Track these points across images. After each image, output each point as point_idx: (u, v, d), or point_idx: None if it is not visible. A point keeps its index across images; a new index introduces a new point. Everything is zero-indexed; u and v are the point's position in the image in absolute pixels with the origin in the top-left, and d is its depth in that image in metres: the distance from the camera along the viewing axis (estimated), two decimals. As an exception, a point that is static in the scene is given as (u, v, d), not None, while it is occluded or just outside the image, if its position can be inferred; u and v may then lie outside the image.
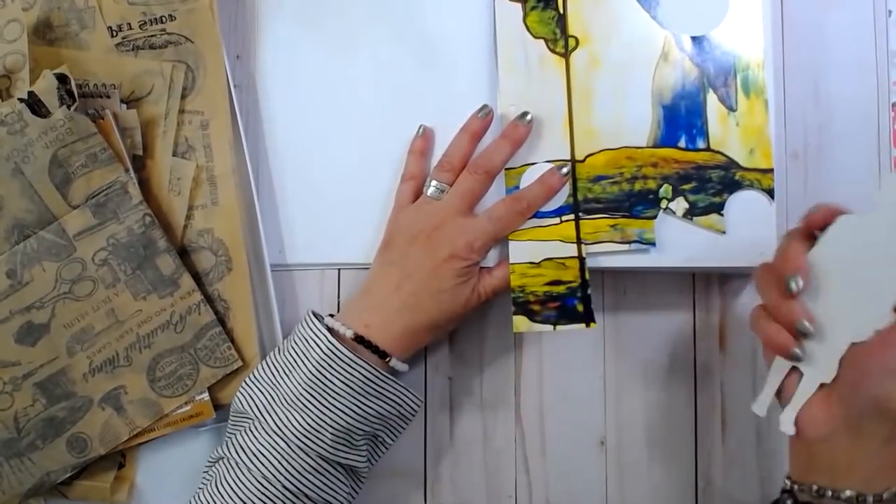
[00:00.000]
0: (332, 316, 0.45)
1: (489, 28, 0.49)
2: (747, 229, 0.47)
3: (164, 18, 0.48)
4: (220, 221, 0.48)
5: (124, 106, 0.48)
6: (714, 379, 0.51)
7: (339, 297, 0.51)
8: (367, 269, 0.51)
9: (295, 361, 0.43)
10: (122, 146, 0.46)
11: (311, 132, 0.51)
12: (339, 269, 0.52)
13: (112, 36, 0.48)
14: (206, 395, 0.47)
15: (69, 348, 0.46)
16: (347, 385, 0.42)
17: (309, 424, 0.41)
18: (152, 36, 0.48)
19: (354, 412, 0.42)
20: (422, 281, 0.44)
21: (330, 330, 0.43)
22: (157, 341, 0.47)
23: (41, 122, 0.44)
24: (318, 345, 0.43)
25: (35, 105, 0.44)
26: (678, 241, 0.47)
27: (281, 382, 0.43)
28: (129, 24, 0.48)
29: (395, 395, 0.44)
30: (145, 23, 0.48)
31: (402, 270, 0.45)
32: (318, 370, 0.42)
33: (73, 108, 0.45)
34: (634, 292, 0.51)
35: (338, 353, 0.42)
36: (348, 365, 0.42)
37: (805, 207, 0.51)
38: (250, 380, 0.44)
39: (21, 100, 0.44)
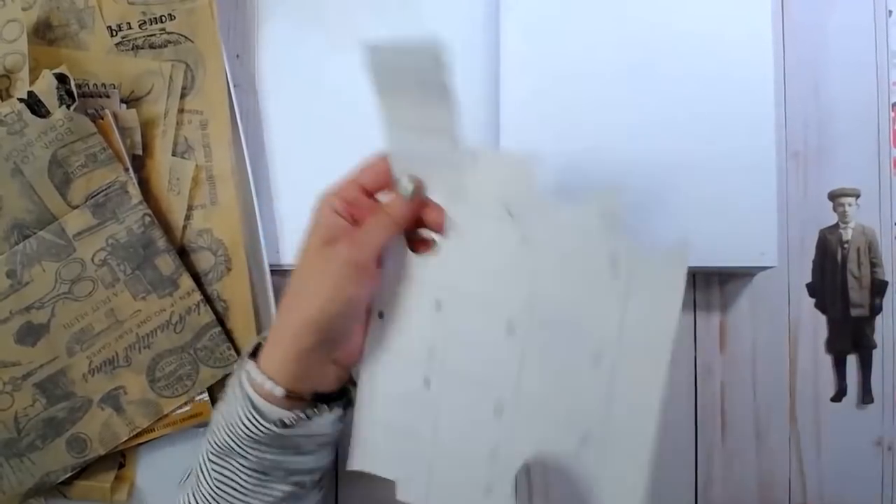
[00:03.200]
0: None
1: (489, 27, 0.49)
2: (747, 229, 0.47)
3: (163, 18, 0.48)
4: (219, 221, 0.48)
5: (124, 106, 0.48)
6: (714, 379, 0.51)
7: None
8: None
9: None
10: (121, 146, 0.46)
11: (311, 132, 0.51)
12: (338, 269, 0.52)
13: (112, 36, 0.48)
14: (205, 396, 0.47)
15: (69, 348, 0.46)
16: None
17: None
18: (152, 35, 0.48)
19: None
20: (296, 278, 0.38)
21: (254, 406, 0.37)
22: (156, 341, 0.47)
23: (41, 122, 0.44)
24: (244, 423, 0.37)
25: (35, 105, 0.44)
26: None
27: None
28: (129, 23, 0.48)
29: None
30: (145, 22, 0.48)
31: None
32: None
33: (72, 108, 0.45)
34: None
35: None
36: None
37: (805, 207, 0.51)
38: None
39: (21, 100, 0.44)
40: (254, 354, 0.39)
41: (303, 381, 0.37)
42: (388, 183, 0.39)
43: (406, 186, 0.38)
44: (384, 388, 0.40)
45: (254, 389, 0.37)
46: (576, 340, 0.34)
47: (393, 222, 0.38)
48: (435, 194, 0.38)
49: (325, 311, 0.37)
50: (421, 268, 0.39)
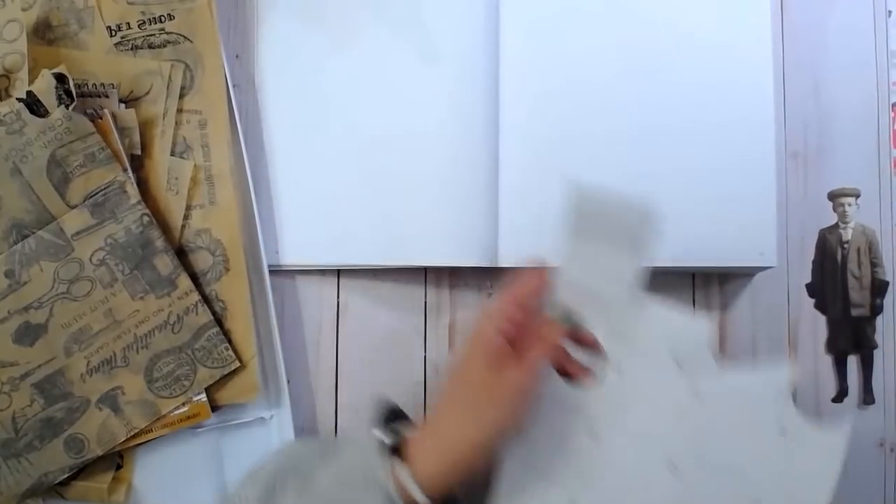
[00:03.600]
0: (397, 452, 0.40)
1: (489, 27, 0.49)
2: (747, 229, 0.47)
3: (162, 18, 0.48)
4: (217, 221, 0.48)
5: (123, 105, 0.48)
6: (714, 380, 0.51)
7: (338, 300, 0.51)
8: (368, 270, 0.51)
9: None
10: (120, 146, 0.46)
11: (310, 132, 0.51)
12: (338, 271, 0.51)
13: (111, 35, 0.48)
14: (203, 396, 0.47)
15: (67, 348, 0.46)
16: None
17: None
18: (151, 35, 0.48)
19: None
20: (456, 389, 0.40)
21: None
22: (154, 342, 0.47)
23: (40, 122, 0.44)
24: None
25: (34, 105, 0.44)
26: (677, 241, 0.47)
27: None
28: (128, 23, 0.48)
29: None
30: (144, 22, 0.48)
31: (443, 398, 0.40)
32: None
33: (71, 108, 0.45)
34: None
35: None
36: None
37: (805, 207, 0.51)
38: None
39: (20, 99, 0.44)
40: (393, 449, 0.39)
41: (446, 490, 0.39)
42: (542, 300, 0.41)
43: (568, 316, 0.40)
44: (523, 502, 0.41)
45: (398, 492, 0.37)
46: (739, 485, 0.38)
47: (553, 350, 0.40)
48: (596, 329, 0.40)
49: (496, 438, 0.39)
50: (575, 397, 0.41)
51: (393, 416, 0.43)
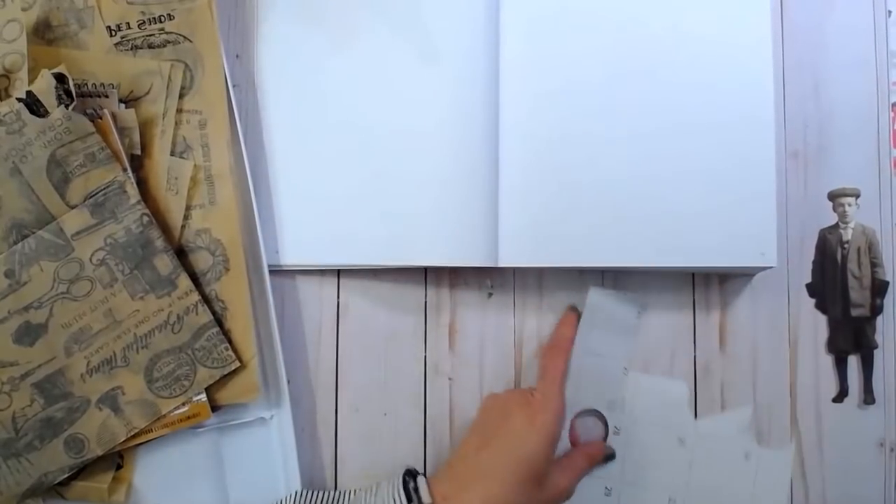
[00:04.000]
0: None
1: (489, 27, 0.49)
2: (747, 229, 0.47)
3: (162, 18, 0.48)
4: (217, 221, 0.48)
5: (122, 105, 0.48)
6: (714, 379, 0.51)
7: (338, 300, 0.51)
8: (368, 270, 0.51)
9: None
10: (120, 146, 0.46)
11: (310, 132, 0.51)
12: (338, 271, 0.52)
13: (111, 35, 0.48)
14: (203, 396, 0.47)
15: (67, 348, 0.46)
16: None
17: None
18: (151, 35, 0.48)
19: None
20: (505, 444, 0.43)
21: None
22: (154, 342, 0.47)
23: (39, 122, 0.44)
24: None
25: (33, 105, 0.44)
26: (677, 241, 0.47)
27: None
28: (128, 23, 0.48)
29: None
30: (144, 22, 0.48)
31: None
32: None
33: (71, 108, 0.45)
34: (635, 292, 0.51)
35: None
36: None
37: (805, 207, 0.51)
38: None
39: (19, 99, 0.44)
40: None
41: None
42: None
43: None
44: None
45: None
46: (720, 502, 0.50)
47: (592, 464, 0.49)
48: (597, 402, 0.50)
49: None
50: None
51: (410, 476, 0.44)
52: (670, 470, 0.50)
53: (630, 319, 0.51)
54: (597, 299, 0.51)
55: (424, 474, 0.44)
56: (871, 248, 0.51)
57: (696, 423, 0.50)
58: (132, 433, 0.47)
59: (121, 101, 0.48)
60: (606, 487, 0.50)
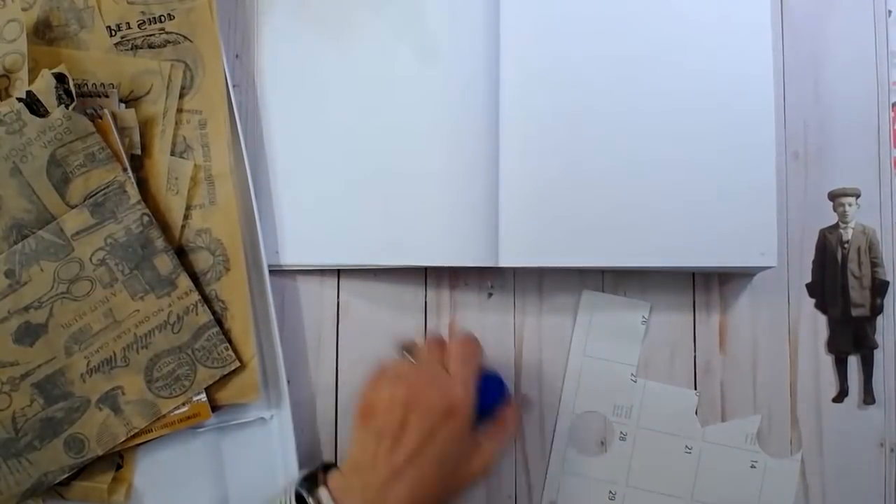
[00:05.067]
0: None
1: (489, 27, 0.49)
2: (747, 229, 0.47)
3: (162, 18, 0.48)
4: (217, 221, 0.48)
5: (123, 105, 0.48)
6: (714, 379, 0.51)
7: (338, 300, 0.51)
8: (368, 270, 0.51)
9: None
10: (120, 146, 0.46)
11: (310, 132, 0.51)
12: (338, 271, 0.51)
13: (111, 35, 0.48)
14: (203, 396, 0.47)
15: (67, 348, 0.46)
16: None
17: None
18: (151, 35, 0.48)
19: None
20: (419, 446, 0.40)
21: None
22: (154, 341, 0.47)
23: (39, 122, 0.44)
24: None
25: (33, 104, 0.44)
26: (678, 241, 0.47)
27: None
28: (128, 23, 0.48)
29: None
30: (144, 22, 0.48)
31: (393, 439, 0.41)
32: None
33: (71, 108, 0.45)
34: (635, 292, 0.51)
35: None
36: None
37: (805, 207, 0.51)
38: None
39: (19, 99, 0.44)
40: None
41: None
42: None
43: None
44: None
45: None
46: None
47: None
48: (604, 408, 0.51)
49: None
50: (593, 465, 0.50)
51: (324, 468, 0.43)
52: (676, 477, 0.50)
53: (635, 325, 0.51)
54: (594, 301, 0.51)
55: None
56: (872, 248, 0.51)
57: (703, 430, 0.50)
58: (132, 433, 0.47)
59: (121, 100, 0.48)
60: (611, 492, 0.50)
